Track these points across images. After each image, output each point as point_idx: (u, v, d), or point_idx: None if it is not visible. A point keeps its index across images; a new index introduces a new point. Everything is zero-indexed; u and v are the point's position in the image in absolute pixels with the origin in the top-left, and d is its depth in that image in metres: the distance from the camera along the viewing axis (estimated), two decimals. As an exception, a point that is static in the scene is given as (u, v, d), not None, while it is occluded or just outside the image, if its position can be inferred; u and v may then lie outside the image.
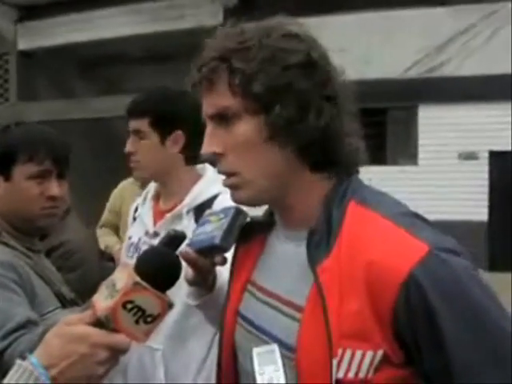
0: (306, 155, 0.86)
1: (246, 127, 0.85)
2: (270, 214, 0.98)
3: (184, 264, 1.02)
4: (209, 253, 0.99)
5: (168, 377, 1.61)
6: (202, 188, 1.67)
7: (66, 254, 1.97)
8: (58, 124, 6.22)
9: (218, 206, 1.60)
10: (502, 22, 6.12)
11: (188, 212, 1.64)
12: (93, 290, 1.43)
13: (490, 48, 6.21)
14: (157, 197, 1.77)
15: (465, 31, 6.33)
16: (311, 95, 0.83)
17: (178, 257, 0.82)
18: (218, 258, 0.99)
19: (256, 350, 0.85)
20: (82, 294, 1.57)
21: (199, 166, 1.75)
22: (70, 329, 0.75)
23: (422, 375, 0.78)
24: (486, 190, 7.48)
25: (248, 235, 1.01)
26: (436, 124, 6.86)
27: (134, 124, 1.66)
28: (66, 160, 1.42)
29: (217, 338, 1.62)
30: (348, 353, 0.77)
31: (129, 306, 0.73)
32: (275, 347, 0.83)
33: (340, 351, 0.77)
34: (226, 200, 1.57)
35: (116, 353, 0.74)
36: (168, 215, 1.66)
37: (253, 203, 0.92)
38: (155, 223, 1.69)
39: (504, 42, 5.89)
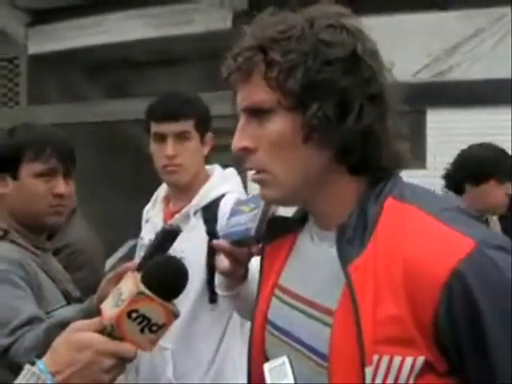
0: (343, 158, 0.79)
1: (281, 124, 0.78)
2: (303, 212, 0.91)
3: (218, 255, 1.02)
4: (244, 244, 0.98)
5: (176, 375, 1.63)
6: (209, 189, 1.70)
7: (73, 254, 1.99)
8: (67, 127, 6.27)
9: (224, 205, 1.63)
10: (510, 26, 6.09)
11: (195, 212, 1.67)
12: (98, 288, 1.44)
13: (499, 52, 6.17)
14: (167, 198, 1.79)
15: (474, 35, 6.30)
16: (353, 94, 0.76)
17: (184, 265, 0.80)
18: (255, 249, 0.97)
19: (267, 366, 0.82)
20: (88, 292, 1.58)
21: (208, 167, 1.78)
22: (76, 336, 0.76)
23: None
24: (494, 194, 7.39)
25: (276, 234, 0.94)
26: (444, 128, 6.83)
27: (179, 126, 1.64)
28: (72, 159, 1.44)
29: (225, 338, 1.66)
30: (385, 359, 0.69)
31: (134, 315, 0.73)
32: (285, 359, 0.81)
33: (376, 358, 0.70)
34: (232, 199, 1.60)
35: (121, 361, 0.75)
36: (176, 216, 1.69)
37: (281, 203, 0.87)
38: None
39: (513, 46, 5.86)
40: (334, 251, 0.78)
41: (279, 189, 0.81)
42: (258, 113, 0.79)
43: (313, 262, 0.85)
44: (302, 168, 0.79)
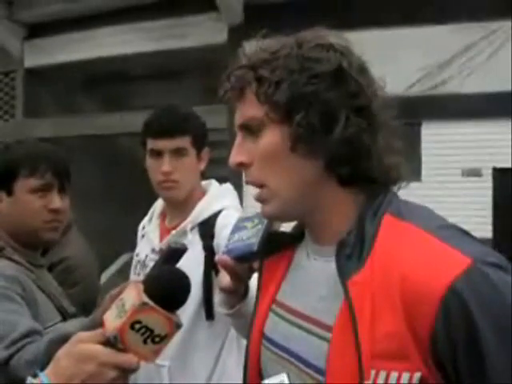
0: (332, 168, 0.81)
1: (271, 137, 0.81)
2: (300, 228, 0.94)
3: (221, 272, 1.01)
4: (246, 260, 0.97)
5: None
6: (206, 204, 1.69)
7: (68, 269, 1.98)
8: (63, 140, 6.26)
9: (221, 221, 1.63)
10: (502, 40, 6.15)
11: (192, 229, 1.67)
12: (94, 304, 1.44)
13: (492, 66, 6.23)
14: (163, 214, 1.79)
15: (466, 49, 6.36)
16: (338, 106, 0.78)
17: (187, 277, 0.80)
18: (257, 265, 0.97)
19: (265, 383, 0.82)
20: (84, 308, 1.57)
21: (204, 183, 1.78)
22: (79, 347, 0.75)
23: None
24: (489, 206, 7.46)
25: (274, 249, 0.96)
26: (439, 141, 6.86)
27: (175, 143, 1.63)
28: (67, 174, 1.44)
29: (222, 355, 1.64)
30: (382, 374, 0.70)
31: (137, 326, 0.73)
32: (284, 377, 0.80)
33: (373, 373, 0.71)
34: (229, 215, 1.60)
35: (124, 372, 0.74)
36: (173, 232, 1.68)
37: (280, 217, 0.89)
38: (161, 240, 1.71)
39: (505, 59, 5.91)
40: (331, 266, 0.79)
41: (275, 202, 0.83)
42: (251, 129, 0.83)
43: (310, 277, 0.86)
44: (293, 179, 0.82)
